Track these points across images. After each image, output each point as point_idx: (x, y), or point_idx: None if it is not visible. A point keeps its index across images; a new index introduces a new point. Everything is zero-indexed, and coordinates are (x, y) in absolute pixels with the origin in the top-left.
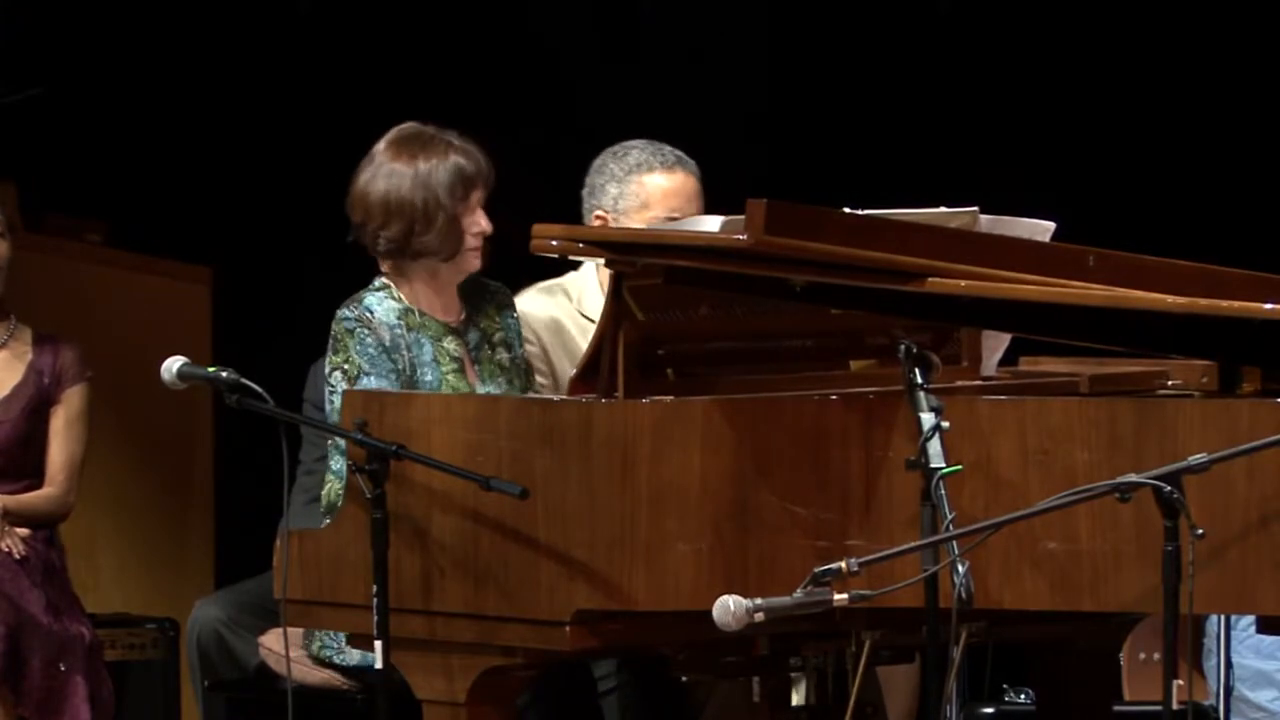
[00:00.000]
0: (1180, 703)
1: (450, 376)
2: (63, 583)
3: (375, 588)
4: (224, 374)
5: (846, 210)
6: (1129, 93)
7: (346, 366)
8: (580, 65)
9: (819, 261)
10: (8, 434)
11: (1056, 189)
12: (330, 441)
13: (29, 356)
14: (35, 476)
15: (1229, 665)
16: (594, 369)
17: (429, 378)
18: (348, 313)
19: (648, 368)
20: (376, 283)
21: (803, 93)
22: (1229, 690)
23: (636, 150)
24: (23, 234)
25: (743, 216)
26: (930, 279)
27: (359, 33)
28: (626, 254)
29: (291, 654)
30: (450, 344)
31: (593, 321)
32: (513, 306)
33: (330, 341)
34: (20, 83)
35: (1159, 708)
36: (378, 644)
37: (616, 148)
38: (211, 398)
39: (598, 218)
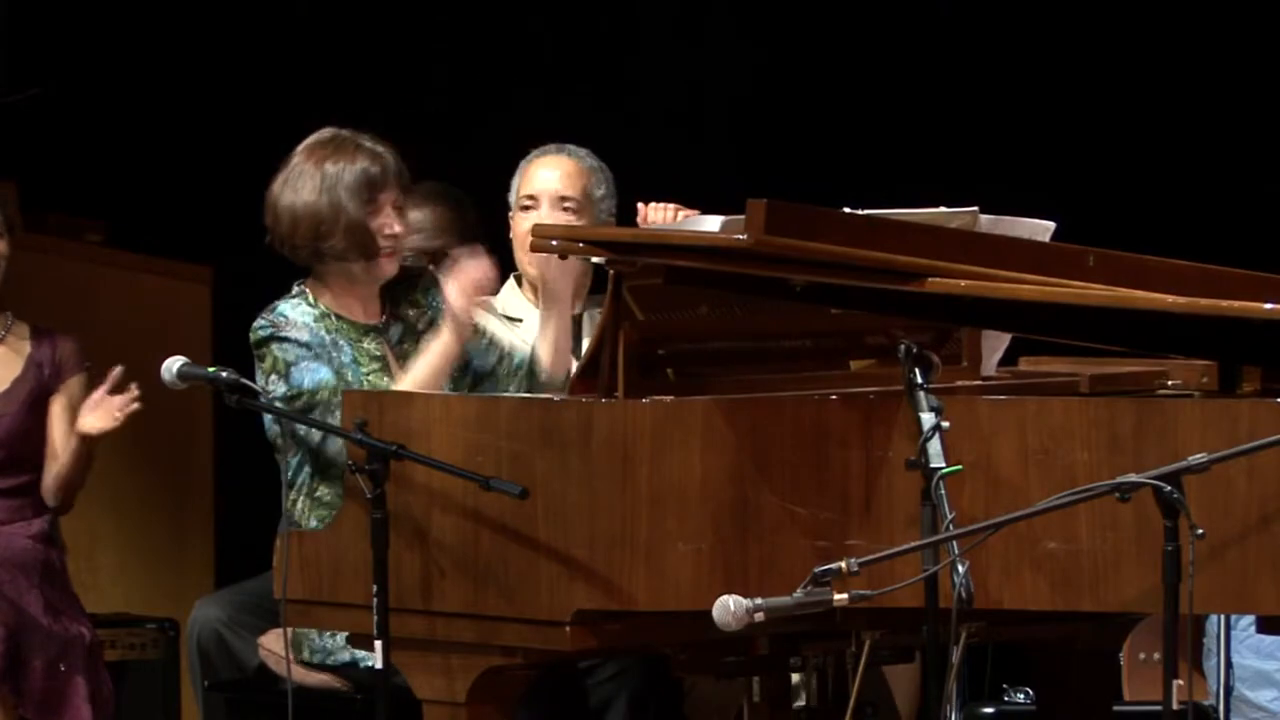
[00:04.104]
0: (1180, 703)
1: (372, 376)
2: (63, 583)
3: (375, 588)
4: (224, 374)
5: (846, 210)
6: (1128, 93)
7: (277, 365)
8: (578, 63)
9: (819, 261)
10: (8, 427)
11: (1056, 189)
12: (277, 442)
13: (27, 350)
14: (36, 470)
15: (1229, 665)
16: (594, 369)
17: (350, 378)
18: (262, 320)
19: (648, 368)
20: (293, 290)
21: (804, 93)
22: (1229, 690)
23: (536, 149)
24: (23, 234)
25: (743, 216)
26: (930, 279)
27: (358, 32)
28: (626, 254)
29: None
30: (370, 344)
31: (516, 321)
32: (437, 285)
33: (254, 355)
34: (20, 83)
35: (1159, 708)
36: (378, 644)
37: None
38: (211, 398)
39: (511, 216)
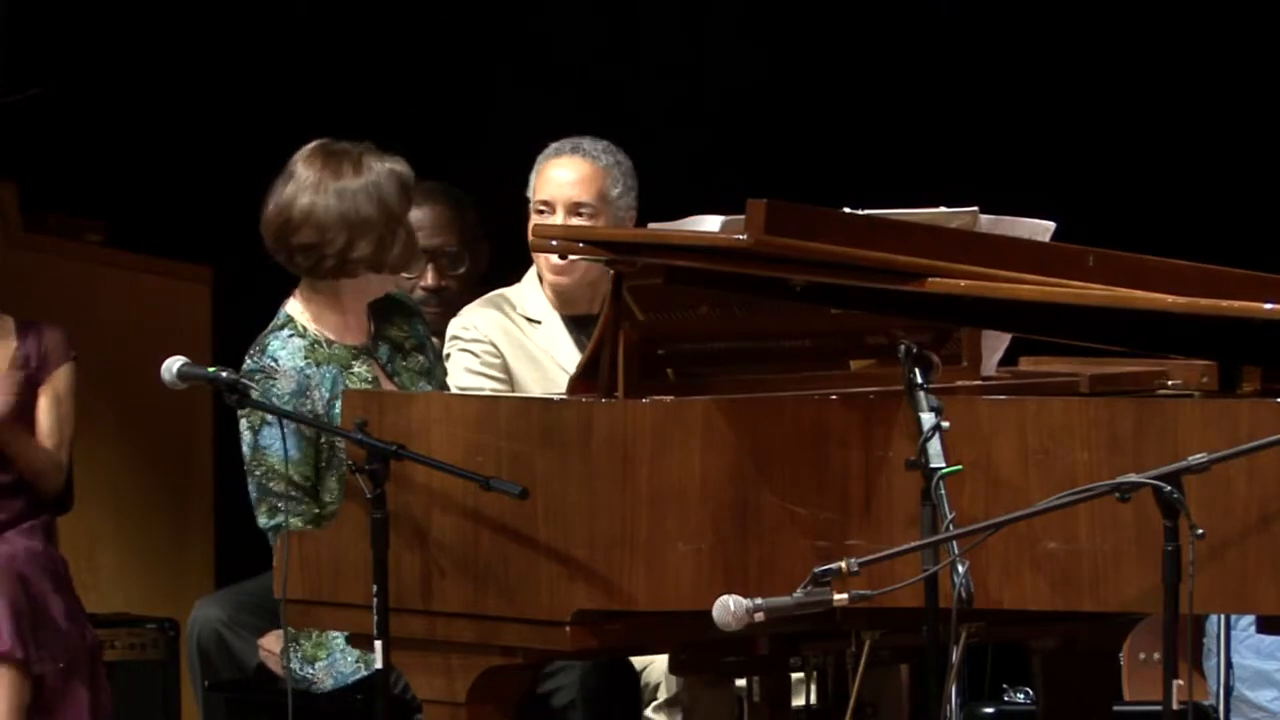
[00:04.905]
0: (1180, 703)
1: None
2: (69, 585)
3: (375, 588)
4: (224, 374)
5: (846, 210)
6: (1128, 93)
7: (251, 417)
8: (578, 61)
9: (819, 261)
10: None
11: (1056, 189)
12: (250, 473)
13: (13, 344)
14: None
15: (1229, 665)
16: (594, 369)
17: (337, 410)
18: (251, 365)
19: (648, 368)
20: (280, 317)
21: (804, 92)
22: (1229, 690)
23: (553, 145)
24: (23, 234)
25: (743, 216)
26: (930, 279)
27: (357, 32)
28: (626, 254)
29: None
30: (360, 367)
31: (535, 322)
32: (420, 315)
33: None
34: (20, 83)
35: (1159, 708)
36: (378, 644)
37: None
38: (211, 398)
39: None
